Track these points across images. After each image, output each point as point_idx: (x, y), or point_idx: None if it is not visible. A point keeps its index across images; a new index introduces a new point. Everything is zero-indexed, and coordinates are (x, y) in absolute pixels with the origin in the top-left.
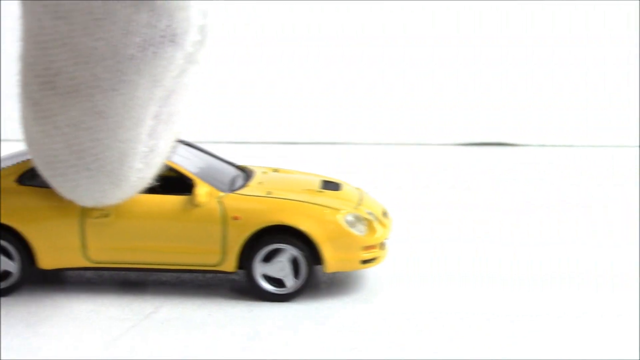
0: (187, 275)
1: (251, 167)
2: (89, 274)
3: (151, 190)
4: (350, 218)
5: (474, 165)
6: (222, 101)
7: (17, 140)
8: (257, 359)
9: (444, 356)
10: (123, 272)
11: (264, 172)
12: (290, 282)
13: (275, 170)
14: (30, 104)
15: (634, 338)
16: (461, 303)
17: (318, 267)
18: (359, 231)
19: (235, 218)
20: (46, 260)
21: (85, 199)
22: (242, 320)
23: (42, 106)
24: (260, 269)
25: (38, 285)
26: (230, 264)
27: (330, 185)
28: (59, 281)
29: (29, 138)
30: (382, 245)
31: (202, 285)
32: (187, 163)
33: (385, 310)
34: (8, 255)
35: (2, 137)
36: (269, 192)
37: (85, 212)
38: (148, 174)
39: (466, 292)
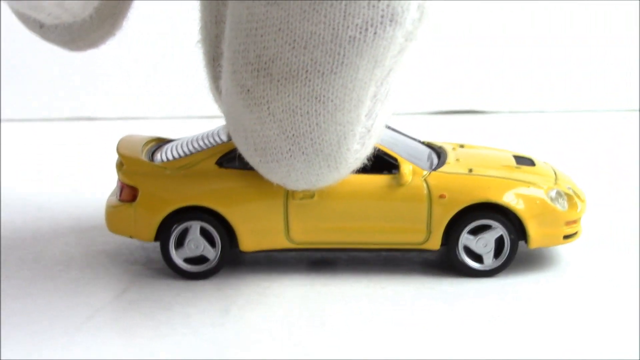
0: (156, 256)
1: (439, 144)
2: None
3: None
4: (553, 194)
5: (444, 133)
6: None
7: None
8: (231, 334)
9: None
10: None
11: (454, 148)
12: (489, 261)
13: (462, 146)
14: (241, 91)
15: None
16: None
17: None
18: (561, 206)
19: (441, 196)
20: (248, 242)
21: (299, 183)
22: (211, 297)
23: (255, 93)
24: (464, 246)
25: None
26: (435, 242)
27: (524, 161)
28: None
29: (237, 125)
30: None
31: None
32: (385, 141)
33: None
34: (208, 238)
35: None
36: (470, 170)
37: (289, 194)
38: (363, 154)
39: None
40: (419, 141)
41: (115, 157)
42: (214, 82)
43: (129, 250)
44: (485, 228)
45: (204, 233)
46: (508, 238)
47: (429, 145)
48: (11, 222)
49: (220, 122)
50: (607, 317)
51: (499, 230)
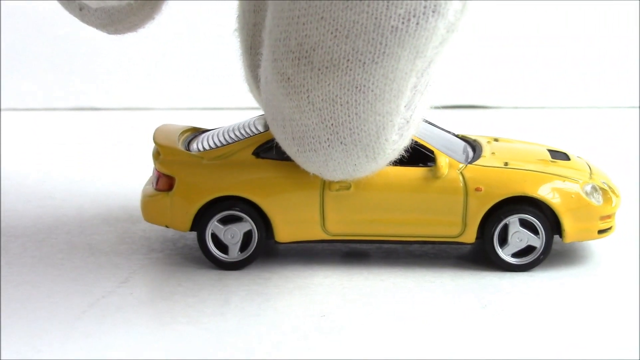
0: (158, 246)
1: (473, 137)
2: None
3: (392, 161)
4: (588, 188)
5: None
6: None
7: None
8: (231, 324)
9: None
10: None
11: (489, 142)
12: (537, 243)
13: (496, 140)
14: (282, 79)
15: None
16: None
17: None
18: (596, 201)
19: (478, 189)
20: (284, 233)
21: (336, 174)
22: (212, 287)
23: (295, 82)
24: (501, 247)
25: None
26: (470, 235)
27: (559, 155)
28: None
29: (276, 114)
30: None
31: (171, 254)
32: (421, 133)
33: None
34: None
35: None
36: (506, 163)
37: (325, 185)
38: (401, 145)
39: None
40: (454, 134)
41: (152, 146)
42: (251, 71)
43: (131, 240)
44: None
45: (237, 220)
46: (539, 223)
47: (464, 139)
48: (13, 210)
49: (253, 113)
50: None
51: (517, 218)
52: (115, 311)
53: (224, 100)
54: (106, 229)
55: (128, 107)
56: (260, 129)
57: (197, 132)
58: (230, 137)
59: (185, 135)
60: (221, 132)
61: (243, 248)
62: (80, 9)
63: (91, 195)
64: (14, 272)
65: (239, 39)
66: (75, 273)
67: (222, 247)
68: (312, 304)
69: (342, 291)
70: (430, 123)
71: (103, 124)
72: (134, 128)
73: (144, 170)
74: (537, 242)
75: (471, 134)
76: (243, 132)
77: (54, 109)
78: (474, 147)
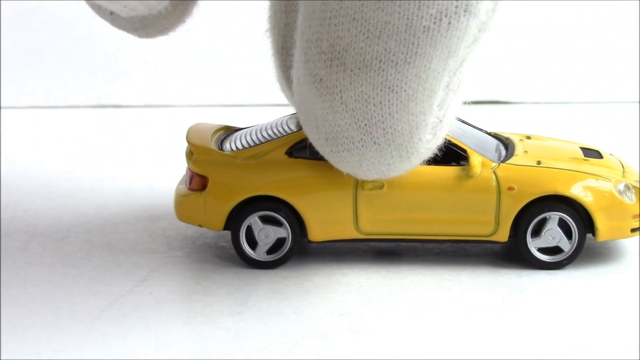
0: (177, 244)
1: (506, 135)
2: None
3: (424, 161)
4: (621, 186)
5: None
6: None
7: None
8: (249, 323)
9: None
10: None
11: (521, 140)
12: (567, 246)
13: (528, 137)
14: (314, 80)
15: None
16: None
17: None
18: (629, 199)
19: (511, 188)
20: (317, 232)
21: (370, 173)
22: (230, 287)
23: (328, 83)
24: (533, 242)
25: None
26: (503, 234)
27: (592, 153)
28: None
29: (309, 114)
30: None
31: (190, 253)
32: (454, 132)
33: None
34: (278, 225)
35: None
36: (538, 162)
37: (358, 184)
38: (435, 144)
39: None
40: (486, 132)
41: (184, 145)
42: (283, 72)
43: (150, 239)
44: (545, 221)
45: (274, 222)
46: (572, 221)
47: (496, 137)
48: (35, 209)
49: (286, 110)
50: None
51: (556, 217)
52: (133, 310)
53: (254, 98)
54: (125, 228)
55: (148, 104)
56: (293, 128)
57: (229, 130)
58: (262, 136)
59: (218, 134)
60: (253, 131)
61: (272, 251)
62: (111, 13)
63: (111, 194)
64: (35, 272)
65: (270, 40)
66: (94, 272)
67: (253, 243)
68: (331, 302)
69: (360, 289)
70: (463, 121)
71: (122, 122)
72: (152, 125)
73: (161, 168)
74: (567, 245)
75: (503, 132)
76: (275, 131)
77: (72, 107)
78: (507, 145)
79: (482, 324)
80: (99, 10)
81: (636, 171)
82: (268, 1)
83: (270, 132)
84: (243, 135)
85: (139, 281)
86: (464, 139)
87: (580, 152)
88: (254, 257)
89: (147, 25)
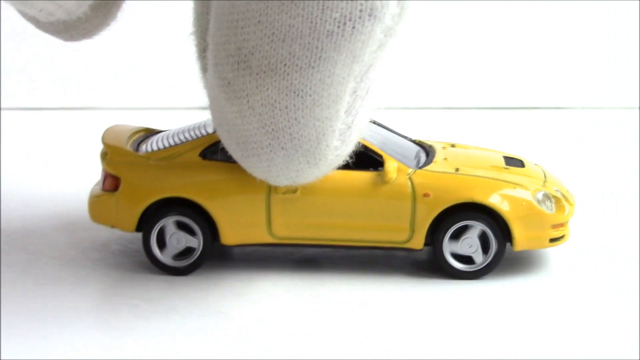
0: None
1: (429, 142)
2: None
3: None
4: (540, 196)
5: (437, 129)
6: None
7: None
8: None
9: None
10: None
11: (444, 147)
12: (480, 259)
13: (453, 145)
14: (222, 84)
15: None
16: None
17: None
18: (548, 209)
19: (426, 195)
20: (230, 236)
21: (279, 179)
22: (199, 292)
23: (235, 86)
24: (448, 246)
25: None
26: (418, 241)
27: (514, 162)
28: None
29: (220, 119)
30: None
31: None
32: (371, 138)
33: None
34: (190, 232)
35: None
36: (457, 169)
37: (272, 188)
38: (344, 151)
39: None
40: (409, 139)
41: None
42: (204, 74)
43: (117, 242)
44: (466, 228)
45: (184, 226)
46: (492, 233)
47: (419, 144)
48: None
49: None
50: (594, 320)
51: (478, 227)
52: (100, 316)
53: (183, 100)
54: (91, 234)
55: (119, 107)
56: (210, 131)
57: (149, 133)
58: (179, 138)
59: (137, 136)
60: (172, 133)
61: (180, 256)
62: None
63: (74, 198)
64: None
65: (193, 42)
66: (62, 275)
67: (162, 245)
68: (254, 309)
69: (286, 296)
70: (384, 127)
71: (93, 124)
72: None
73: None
74: (480, 258)
75: (428, 140)
76: (193, 134)
77: (48, 109)
78: (428, 152)
79: (403, 330)
80: (24, 14)
81: (559, 181)
82: (193, 1)
83: (187, 134)
84: (161, 138)
85: (106, 286)
86: (381, 144)
87: (502, 160)
88: (163, 261)
89: (70, 29)
